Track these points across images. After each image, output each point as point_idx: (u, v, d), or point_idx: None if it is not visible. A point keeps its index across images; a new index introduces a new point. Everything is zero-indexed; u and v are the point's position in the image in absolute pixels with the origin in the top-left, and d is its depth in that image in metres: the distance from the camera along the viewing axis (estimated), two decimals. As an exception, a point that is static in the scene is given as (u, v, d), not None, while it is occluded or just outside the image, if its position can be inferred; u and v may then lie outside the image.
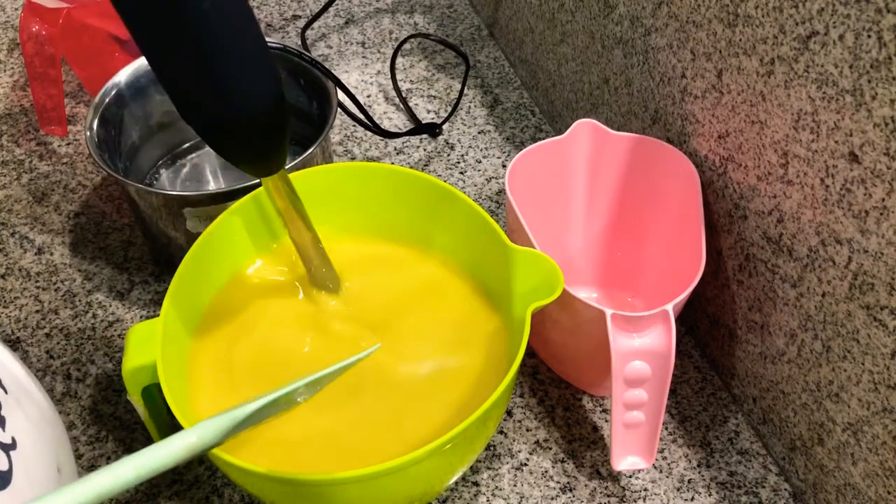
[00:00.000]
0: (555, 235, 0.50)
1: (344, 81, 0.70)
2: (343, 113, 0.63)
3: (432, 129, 0.64)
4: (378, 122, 0.67)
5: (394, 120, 0.67)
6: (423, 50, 0.73)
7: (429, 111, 0.67)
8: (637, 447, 0.43)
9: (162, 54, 0.34)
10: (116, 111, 0.55)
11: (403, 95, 0.69)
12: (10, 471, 0.30)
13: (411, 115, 0.66)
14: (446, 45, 0.71)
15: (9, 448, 0.31)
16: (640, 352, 0.41)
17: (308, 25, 0.73)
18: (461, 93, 0.66)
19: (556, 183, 0.50)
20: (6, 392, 0.33)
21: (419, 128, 0.64)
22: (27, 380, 0.36)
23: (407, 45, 0.73)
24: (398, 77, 0.70)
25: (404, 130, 0.64)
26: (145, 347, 0.39)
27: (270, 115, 0.37)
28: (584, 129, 0.49)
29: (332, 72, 0.70)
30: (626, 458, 0.43)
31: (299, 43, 0.73)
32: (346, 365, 0.35)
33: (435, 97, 0.69)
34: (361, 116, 0.60)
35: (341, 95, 0.58)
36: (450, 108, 0.67)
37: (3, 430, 0.31)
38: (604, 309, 0.41)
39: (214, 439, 0.30)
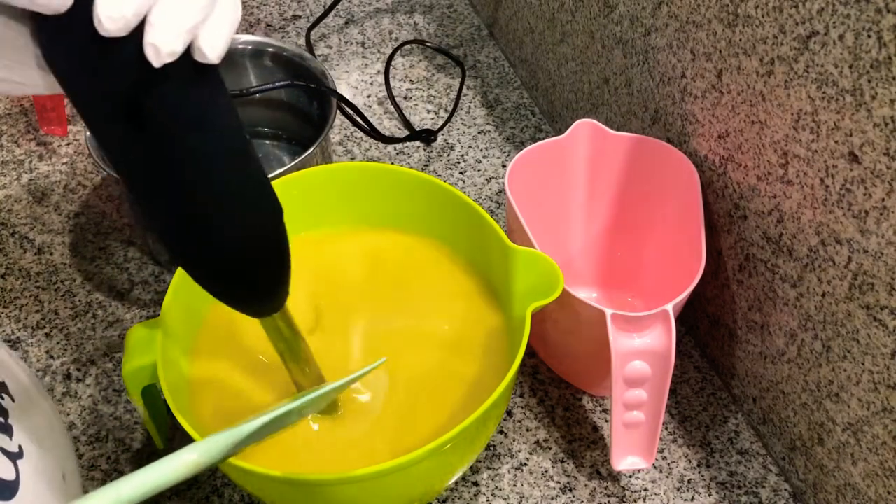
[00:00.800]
0: (555, 235, 0.50)
1: (344, 81, 0.70)
2: (348, 119, 0.63)
3: (427, 137, 0.64)
4: (378, 122, 0.67)
5: (394, 121, 0.67)
6: (424, 50, 0.73)
7: (428, 111, 0.67)
8: (637, 447, 0.43)
9: (150, 192, 0.30)
10: (116, 111, 0.55)
11: (404, 96, 0.68)
12: (16, 480, 0.30)
13: (406, 122, 0.66)
14: (441, 52, 0.71)
15: (16, 457, 0.31)
16: (640, 352, 0.41)
17: (313, 26, 0.73)
18: (457, 101, 0.66)
19: (556, 183, 0.50)
20: (13, 400, 0.33)
21: (414, 135, 0.64)
22: (33, 387, 0.36)
23: (407, 46, 0.73)
24: (398, 76, 0.70)
25: (402, 136, 0.63)
26: (145, 347, 0.39)
27: (271, 251, 0.33)
28: (584, 129, 0.49)
29: (333, 72, 0.70)
30: (626, 458, 0.43)
31: (301, 43, 0.73)
32: (351, 379, 0.35)
33: (435, 97, 0.69)
34: (360, 121, 0.60)
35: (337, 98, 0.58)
36: (450, 109, 0.67)
37: (10, 438, 0.31)
38: (604, 309, 0.41)
39: (219, 456, 0.30)
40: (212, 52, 0.27)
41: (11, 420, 0.32)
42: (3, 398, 0.32)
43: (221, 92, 0.29)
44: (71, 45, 0.26)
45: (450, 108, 0.67)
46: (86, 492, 0.43)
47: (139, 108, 0.27)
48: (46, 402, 0.36)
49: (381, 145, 0.65)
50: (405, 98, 0.69)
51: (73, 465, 0.36)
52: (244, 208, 0.31)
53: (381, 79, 0.70)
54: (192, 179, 0.29)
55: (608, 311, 0.41)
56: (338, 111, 0.55)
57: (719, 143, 0.45)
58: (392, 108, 0.67)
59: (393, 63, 0.71)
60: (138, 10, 0.25)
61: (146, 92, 0.27)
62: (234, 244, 0.31)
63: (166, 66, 0.26)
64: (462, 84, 0.67)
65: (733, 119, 0.43)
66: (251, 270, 0.32)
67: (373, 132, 0.61)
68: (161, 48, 0.25)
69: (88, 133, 0.52)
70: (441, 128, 0.65)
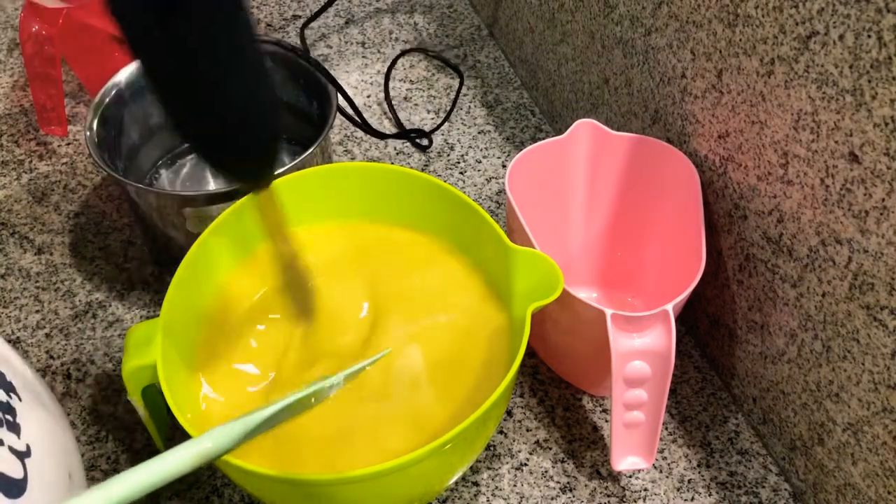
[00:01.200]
0: (555, 235, 0.50)
1: (344, 81, 0.70)
2: (341, 113, 0.63)
3: (417, 138, 0.64)
4: (378, 121, 0.67)
5: (394, 120, 0.67)
6: (424, 50, 0.73)
7: (428, 111, 0.67)
8: (637, 447, 0.43)
9: (160, 67, 0.33)
10: (116, 111, 0.55)
11: (404, 97, 0.68)
12: (25, 479, 0.31)
13: (399, 125, 0.66)
14: (440, 60, 0.71)
15: (24, 456, 0.31)
16: (640, 352, 0.41)
17: (307, 24, 0.73)
18: (453, 105, 0.66)
19: (556, 183, 0.50)
20: (20, 399, 0.33)
21: (403, 133, 0.63)
22: (39, 387, 0.36)
23: (407, 46, 0.73)
24: (398, 76, 0.70)
25: (393, 133, 0.63)
26: (145, 347, 0.39)
27: (272, 129, 0.36)
28: (584, 129, 0.49)
29: (332, 72, 0.70)
30: (626, 458, 0.43)
31: (298, 42, 0.73)
32: (358, 369, 0.35)
33: (435, 97, 0.69)
34: (355, 116, 0.60)
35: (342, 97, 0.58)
36: (449, 108, 0.67)
37: (19, 437, 0.31)
38: (604, 309, 0.41)
39: (231, 444, 0.30)
40: None
41: (19, 419, 0.32)
42: (10, 397, 0.33)
43: None
44: None
45: (444, 117, 0.67)
46: (92, 477, 0.43)
47: (173, 6, 0.30)
48: (52, 403, 0.36)
49: (381, 146, 0.65)
50: (405, 99, 0.69)
51: (79, 465, 0.36)
52: (256, 90, 0.35)
53: (381, 79, 0.70)
54: (218, 70, 0.32)
55: (608, 311, 0.41)
56: (338, 111, 0.55)
57: (719, 143, 0.45)
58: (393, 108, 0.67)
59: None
60: None
61: None
62: (248, 120, 0.35)
63: None
64: (459, 90, 0.67)
65: (733, 119, 0.43)
66: (254, 142, 0.36)
67: (364, 125, 0.61)
68: None
69: (88, 133, 0.52)
70: (434, 130, 0.65)
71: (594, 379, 0.49)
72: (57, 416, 0.36)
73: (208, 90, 0.33)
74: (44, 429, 0.34)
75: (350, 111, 0.60)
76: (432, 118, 0.67)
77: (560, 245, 0.51)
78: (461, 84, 0.68)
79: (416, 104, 0.68)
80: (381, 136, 0.62)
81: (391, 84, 0.70)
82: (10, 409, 0.32)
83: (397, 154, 0.64)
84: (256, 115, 0.36)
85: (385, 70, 0.70)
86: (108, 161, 0.51)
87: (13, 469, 0.30)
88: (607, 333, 0.41)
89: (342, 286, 0.47)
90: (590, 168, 0.50)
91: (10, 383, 0.33)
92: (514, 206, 0.45)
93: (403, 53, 0.71)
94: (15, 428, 0.32)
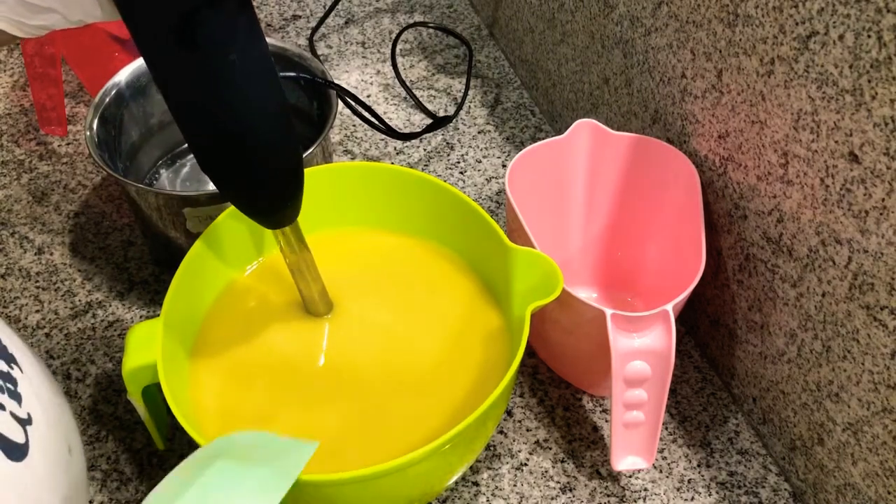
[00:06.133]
0: (555, 235, 0.50)
1: (344, 81, 0.70)
2: (342, 114, 0.63)
3: (444, 122, 0.64)
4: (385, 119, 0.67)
5: (394, 119, 0.67)
6: (423, 50, 0.73)
7: (427, 110, 0.67)
8: (637, 447, 0.43)
9: (186, 104, 0.33)
10: (116, 111, 0.55)
11: (403, 97, 0.68)
12: (26, 444, 0.31)
13: (420, 106, 0.66)
14: (447, 32, 0.71)
15: (25, 423, 0.32)
16: (640, 352, 0.41)
17: (315, 30, 0.73)
18: (468, 81, 0.67)
19: (556, 183, 0.50)
20: (22, 371, 0.34)
21: (435, 124, 0.63)
22: (39, 365, 0.37)
23: (406, 46, 0.73)
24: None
25: (419, 130, 0.63)
26: (145, 347, 0.39)
27: (290, 167, 0.37)
28: (584, 129, 0.49)
29: (333, 72, 0.70)
30: (626, 458, 0.43)
31: (302, 44, 0.73)
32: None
33: (435, 96, 0.69)
34: (376, 122, 0.60)
35: (351, 101, 0.58)
36: (452, 105, 0.67)
37: (20, 405, 0.32)
38: (604, 309, 0.41)
39: None
40: None
41: (20, 389, 0.33)
42: (12, 368, 0.33)
43: (255, 19, 0.32)
44: None
45: (451, 110, 0.67)
46: (92, 477, 0.43)
47: (193, 33, 0.30)
48: (51, 380, 0.37)
49: (381, 145, 0.65)
50: (404, 99, 0.69)
51: (77, 441, 0.37)
52: (272, 122, 0.34)
53: (380, 79, 0.70)
54: (234, 96, 0.33)
55: (608, 311, 0.41)
56: (346, 109, 0.55)
57: (719, 143, 0.45)
58: (393, 107, 0.67)
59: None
60: None
61: (202, 17, 0.30)
62: (264, 153, 0.35)
63: None
64: (470, 62, 0.67)
65: (733, 119, 0.43)
66: (274, 181, 0.36)
67: (389, 131, 0.60)
68: None
69: (88, 133, 0.52)
70: (459, 108, 0.66)
71: (594, 379, 0.49)
72: (56, 392, 0.37)
73: (225, 129, 0.33)
74: (44, 401, 0.34)
75: (375, 121, 0.60)
76: (440, 108, 0.67)
77: (560, 245, 0.51)
78: (471, 55, 0.68)
79: (422, 93, 0.68)
80: (408, 136, 0.62)
81: (394, 81, 0.70)
82: (11, 379, 0.33)
83: (397, 153, 0.64)
84: (276, 160, 0.36)
85: (385, 69, 0.70)
86: (108, 161, 0.51)
87: (15, 433, 0.31)
88: (607, 333, 0.41)
89: (340, 286, 0.47)
90: (590, 168, 0.50)
91: (12, 355, 0.34)
92: (514, 206, 0.45)
93: (408, 27, 0.70)
94: (16, 396, 0.32)
